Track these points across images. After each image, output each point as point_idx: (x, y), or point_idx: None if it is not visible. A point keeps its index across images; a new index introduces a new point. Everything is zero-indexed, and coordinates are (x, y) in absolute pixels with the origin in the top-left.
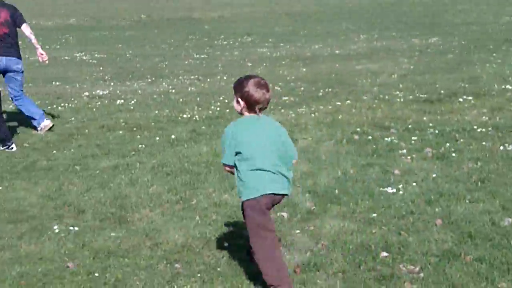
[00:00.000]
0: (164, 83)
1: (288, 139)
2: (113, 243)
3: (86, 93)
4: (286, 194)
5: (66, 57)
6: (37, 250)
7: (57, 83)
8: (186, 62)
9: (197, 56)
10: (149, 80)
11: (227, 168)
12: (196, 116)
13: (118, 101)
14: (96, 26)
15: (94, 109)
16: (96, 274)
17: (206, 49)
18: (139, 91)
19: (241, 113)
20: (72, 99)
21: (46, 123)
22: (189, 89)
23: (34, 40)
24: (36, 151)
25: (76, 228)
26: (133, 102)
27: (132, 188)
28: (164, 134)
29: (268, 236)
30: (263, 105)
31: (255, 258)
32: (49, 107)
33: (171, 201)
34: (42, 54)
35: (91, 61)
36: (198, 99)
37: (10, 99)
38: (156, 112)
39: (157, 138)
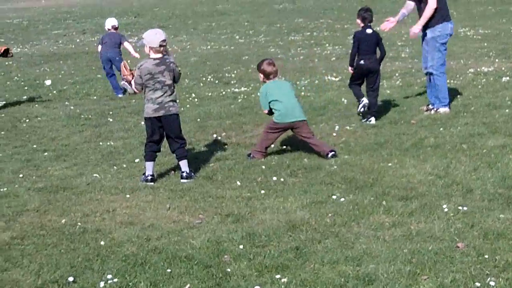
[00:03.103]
0: None
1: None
2: (502, 224)
3: (471, 70)
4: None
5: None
6: (427, 228)
7: None
8: None
9: None
10: None
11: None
12: None
13: (504, 79)
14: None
15: (479, 86)
16: (486, 256)
17: None
18: None
19: (263, 81)
20: (457, 75)
21: (445, 110)
22: None
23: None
24: (423, 128)
25: (465, 208)
26: None
27: None
28: None
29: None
30: (274, 75)
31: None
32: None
33: None
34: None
35: (475, 36)
36: None
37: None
38: None
39: None
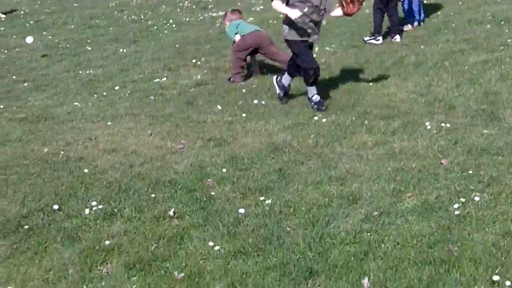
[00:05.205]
0: None
1: None
2: (485, 140)
3: None
4: None
5: None
6: (410, 146)
7: None
8: None
9: None
10: None
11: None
12: None
13: None
14: None
15: (460, 3)
16: (470, 172)
17: None
18: None
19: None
20: None
21: (409, 27)
22: None
23: None
24: (404, 47)
25: (448, 125)
26: None
27: (503, 84)
28: None
29: None
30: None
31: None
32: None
33: None
34: None
35: None
36: None
37: None
38: None
39: None
